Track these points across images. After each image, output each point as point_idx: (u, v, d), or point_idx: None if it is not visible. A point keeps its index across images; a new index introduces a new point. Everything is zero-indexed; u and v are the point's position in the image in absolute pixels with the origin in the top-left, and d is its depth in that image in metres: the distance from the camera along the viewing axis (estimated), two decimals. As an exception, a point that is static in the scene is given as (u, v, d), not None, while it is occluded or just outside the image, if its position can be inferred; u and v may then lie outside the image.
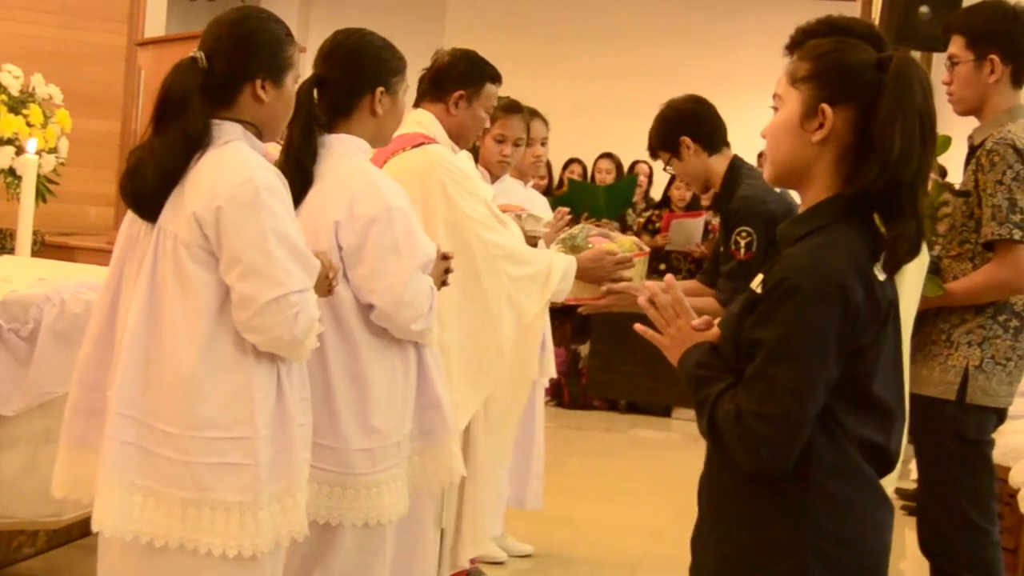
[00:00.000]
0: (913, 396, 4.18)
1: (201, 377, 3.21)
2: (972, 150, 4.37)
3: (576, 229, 4.97)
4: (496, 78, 4.77)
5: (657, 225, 11.41)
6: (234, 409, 3.23)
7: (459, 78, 4.68)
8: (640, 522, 7.42)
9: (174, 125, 3.25)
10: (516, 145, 5.92)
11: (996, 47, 4.32)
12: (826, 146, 2.68)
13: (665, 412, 10.93)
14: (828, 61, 2.71)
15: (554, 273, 4.62)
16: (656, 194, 12.12)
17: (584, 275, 4.71)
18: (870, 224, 2.67)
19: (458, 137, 4.74)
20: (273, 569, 3.34)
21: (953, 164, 4.99)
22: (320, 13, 15.18)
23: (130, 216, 3.38)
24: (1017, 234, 4.16)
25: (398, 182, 4.00)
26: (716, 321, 2.83)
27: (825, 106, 2.66)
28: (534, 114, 6.31)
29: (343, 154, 3.89)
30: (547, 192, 11.10)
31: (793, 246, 2.65)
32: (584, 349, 11.01)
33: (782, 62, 4.38)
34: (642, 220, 11.53)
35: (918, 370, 4.35)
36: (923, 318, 4.36)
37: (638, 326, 2.88)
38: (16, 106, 6.31)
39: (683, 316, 2.81)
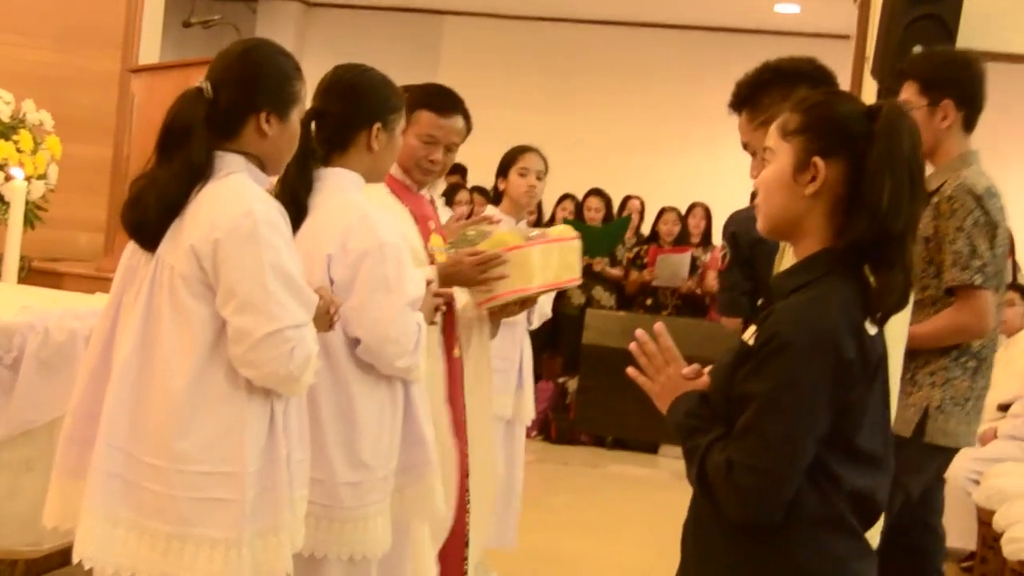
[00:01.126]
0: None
1: (191, 410, 3.19)
2: (928, 196, 4.37)
3: (472, 230, 4.89)
4: (437, 107, 4.60)
5: (645, 260, 11.43)
6: (223, 444, 3.21)
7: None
8: (625, 559, 7.39)
9: (178, 155, 3.25)
10: (539, 179, 6.10)
11: (950, 94, 4.38)
12: (818, 199, 2.69)
13: (652, 449, 10.90)
14: (819, 113, 2.72)
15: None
16: (645, 229, 12.12)
17: (448, 280, 4.51)
18: (862, 277, 2.68)
19: (400, 168, 4.61)
20: None
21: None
22: (315, 41, 15.21)
23: (131, 247, 3.38)
24: (978, 279, 4.22)
25: None
26: (706, 370, 2.83)
27: (817, 159, 2.68)
28: (532, 149, 6.36)
29: (337, 187, 3.87)
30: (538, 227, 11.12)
31: (786, 299, 2.66)
32: (572, 384, 11.00)
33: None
34: (631, 255, 11.55)
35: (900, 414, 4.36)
36: None
37: (630, 370, 2.89)
38: (6, 132, 6.29)
39: (672, 364, 2.83)
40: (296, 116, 3.43)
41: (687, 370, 2.82)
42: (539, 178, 6.10)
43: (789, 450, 2.54)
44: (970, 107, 4.43)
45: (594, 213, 11.71)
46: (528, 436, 10.57)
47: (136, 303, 3.29)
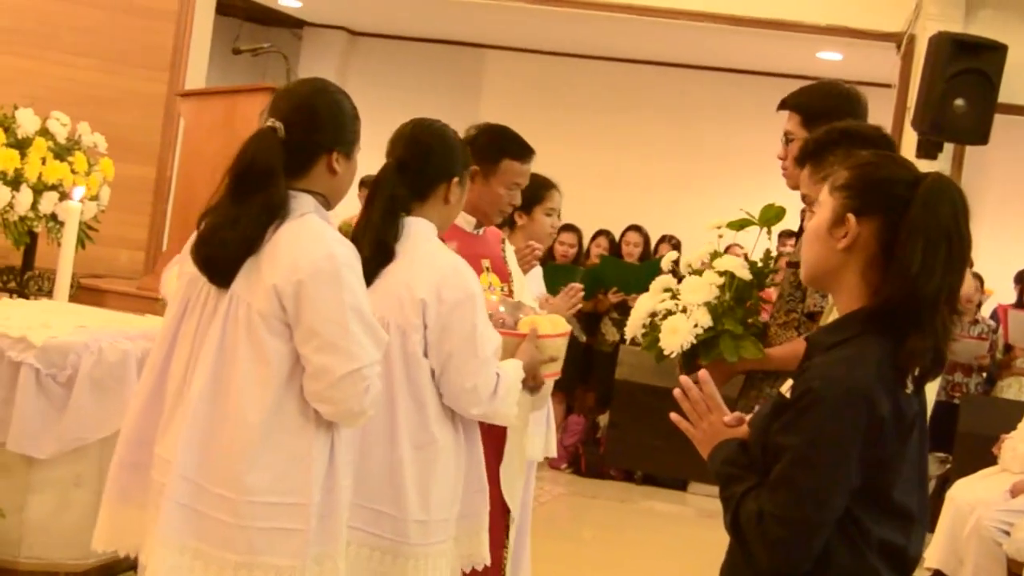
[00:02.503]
0: None
1: (263, 443, 3.27)
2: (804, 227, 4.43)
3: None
4: (518, 154, 4.72)
5: (681, 299, 11.46)
6: (292, 476, 3.30)
7: (475, 152, 4.52)
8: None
9: (257, 196, 3.31)
10: (558, 216, 5.96)
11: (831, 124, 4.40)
12: (852, 254, 2.77)
13: (681, 486, 10.91)
14: (863, 172, 2.80)
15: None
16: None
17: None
18: (898, 337, 2.73)
19: (473, 211, 4.68)
20: None
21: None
22: (358, 70, 15.32)
23: (189, 277, 3.43)
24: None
25: None
26: (747, 418, 2.91)
27: (850, 216, 2.76)
28: (555, 185, 6.27)
29: (421, 236, 3.95)
30: (575, 262, 11.19)
31: (824, 354, 2.73)
32: (604, 418, 11.04)
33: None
34: (668, 294, 11.58)
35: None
36: (750, 381, 4.43)
37: (674, 416, 2.96)
38: (62, 153, 6.40)
39: (715, 411, 2.91)
40: (356, 153, 3.54)
41: (729, 418, 2.90)
42: (559, 215, 5.98)
43: (818, 503, 2.62)
44: (849, 140, 4.44)
45: (632, 248, 11.77)
46: (558, 468, 10.67)
47: (207, 337, 3.35)
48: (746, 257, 4.66)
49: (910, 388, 2.73)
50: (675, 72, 14.48)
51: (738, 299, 4.44)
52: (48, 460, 4.60)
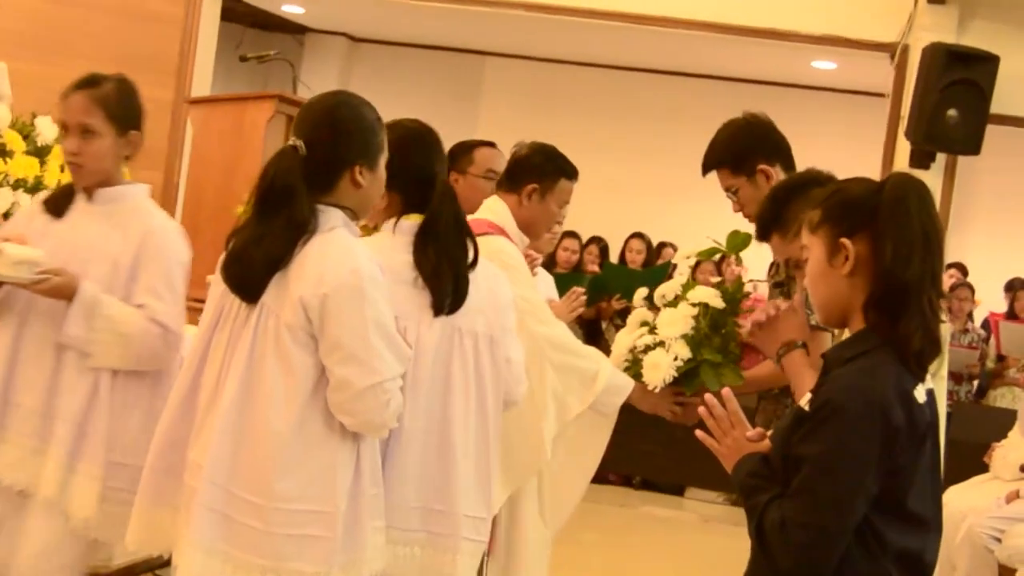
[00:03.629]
0: None
1: (291, 452, 3.34)
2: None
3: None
4: (572, 175, 4.80)
5: (681, 305, 11.56)
6: (319, 484, 3.37)
7: (535, 170, 4.73)
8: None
9: (281, 214, 3.37)
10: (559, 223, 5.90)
11: (757, 158, 4.49)
12: (855, 276, 2.93)
13: (678, 491, 11.03)
14: (833, 201, 2.99)
15: (600, 378, 4.56)
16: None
17: (640, 402, 4.64)
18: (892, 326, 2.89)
19: (527, 228, 4.77)
20: None
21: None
22: (360, 76, 15.40)
23: (222, 288, 3.50)
24: (814, 319, 4.31)
25: None
26: (769, 433, 3.06)
27: (844, 240, 2.93)
28: None
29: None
30: (576, 269, 11.27)
31: (841, 367, 2.89)
32: (602, 423, 11.11)
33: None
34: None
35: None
36: (766, 396, 4.58)
37: (699, 433, 3.12)
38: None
39: (738, 427, 3.07)
40: (382, 164, 3.57)
41: (751, 433, 3.06)
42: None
43: (838, 509, 2.76)
44: (779, 155, 4.54)
45: (635, 255, 11.83)
46: (557, 473, 10.72)
47: (237, 347, 3.43)
48: (725, 284, 4.73)
49: (923, 398, 2.87)
50: (672, 80, 14.61)
51: (714, 327, 4.54)
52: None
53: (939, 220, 2.93)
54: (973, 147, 9.40)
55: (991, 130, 9.38)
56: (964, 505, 7.33)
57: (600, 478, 10.87)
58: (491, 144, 5.25)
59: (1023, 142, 11.26)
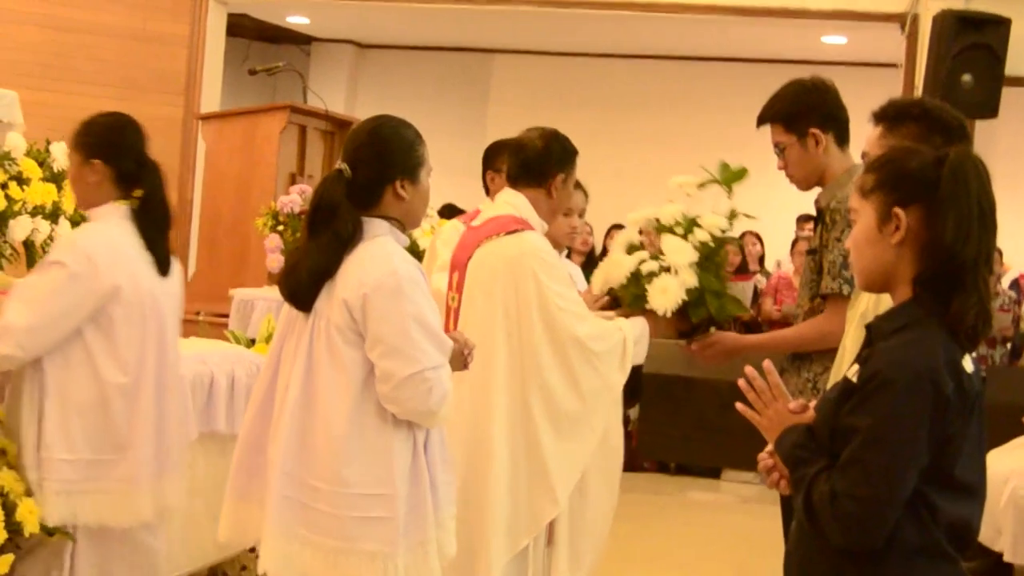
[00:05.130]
0: None
1: (348, 441, 3.68)
2: (820, 212, 4.54)
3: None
4: (576, 152, 4.86)
5: (705, 289, 11.55)
6: (377, 469, 3.70)
7: (558, 160, 4.73)
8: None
9: (328, 230, 3.74)
10: (580, 216, 5.87)
11: (811, 121, 4.46)
12: (904, 246, 2.90)
13: (715, 474, 11.00)
14: (890, 169, 2.95)
15: (628, 342, 4.67)
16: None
17: (653, 333, 4.77)
18: (946, 303, 2.87)
19: (550, 217, 4.81)
20: None
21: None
22: (368, 82, 15.44)
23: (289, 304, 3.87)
24: (846, 289, 4.30)
25: (489, 264, 4.53)
26: (812, 405, 3.03)
27: (897, 209, 2.89)
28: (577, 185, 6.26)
29: None
30: (590, 259, 11.26)
31: (886, 340, 2.86)
32: (634, 412, 11.10)
33: None
34: (690, 285, 11.65)
35: None
36: (787, 369, 4.54)
37: (739, 405, 3.08)
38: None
39: (780, 399, 3.03)
40: (424, 175, 3.89)
41: (793, 405, 3.02)
42: (581, 215, 5.91)
43: (890, 481, 2.74)
44: (835, 124, 4.51)
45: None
46: (592, 465, 10.70)
47: (297, 351, 3.78)
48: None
49: (971, 368, 2.85)
50: (681, 65, 14.62)
51: (709, 258, 4.72)
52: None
53: (993, 197, 2.91)
54: (990, 110, 9.38)
55: (1006, 92, 9.36)
56: (1006, 468, 7.29)
57: (635, 466, 10.89)
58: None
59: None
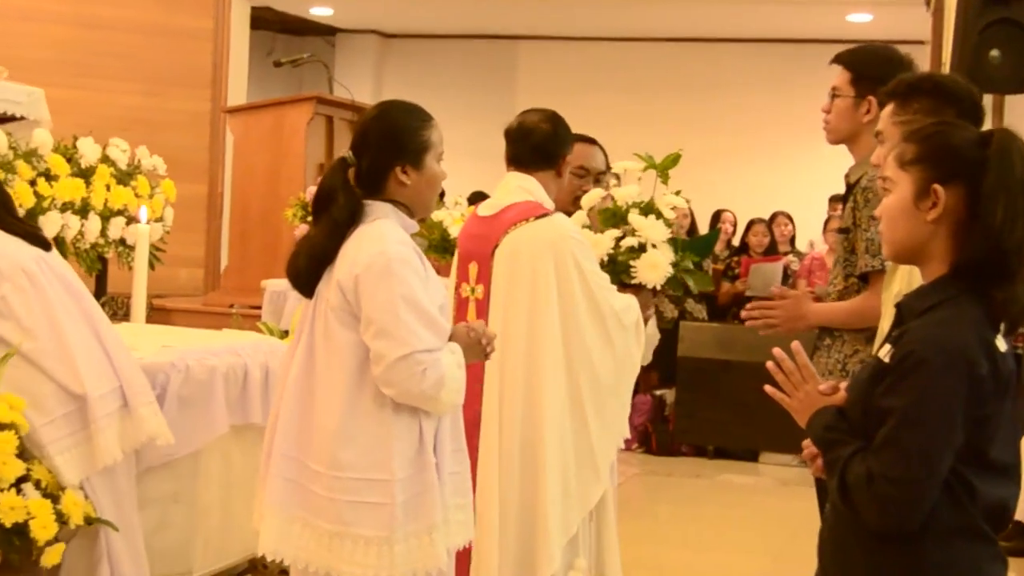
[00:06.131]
0: None
1: (345, 425, 3.65)
2: (849, 188, 4.49)
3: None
4: (581, 137, 4.99)
5: (736, 271, 11.53)
6: (374, 454, 3.65)
7: (564, 141, 4.82)
8: (736, 569, 7.46)
9: (324, 215, 3.77)
10: (599, 179, 5.48)
11: (876, 91, 4.37)
12: (940, 223, 2.85)
13: (753, 457, 10.95)
14: (934, 143, 2.89)
15: (641, 318, 4.76)
16: (735, 240, 12.21)
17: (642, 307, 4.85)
18: (989, 295, 2.83)
19: (559, 197, 4.85)
20: None
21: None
22: (393, 71, 15.45)
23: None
24: (877, 263, 4.26)
25: (526, 251, 4.58)
26: (843, 385, 2.99)
27: (937, 186, 2.84)
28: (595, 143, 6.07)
29: None
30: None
31: (918, 318, 2.82)
32: (670, 396, 11.08)
33: None
34: (721, 266, 11.63)
35: None
36: (817, 349, 4.50)
37: (769, 388, 3.05)
38: (124, 178, 6.52)
39: (810, 381, 3.00)
40: (431, 160, 3.86)
41: (824, 386, 2.99)
42: (600, 178, 5.45)
43: (927, 461, 2.70)
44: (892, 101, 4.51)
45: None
46: (629, 449, 10.69)
47: (301, 334, 3.81)
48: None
49: (1004, 347, 2.80)
50: (705, 47, 14.58)
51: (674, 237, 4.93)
52: (146, 479, 4.69)
53: None
54: (1018, 85, 9.27)
55: (1035, 65, 9.27)
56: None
57: (673, 450, 10.87)
58: (589, 140, 5.18)
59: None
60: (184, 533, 4.95)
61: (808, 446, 3.05)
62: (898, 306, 2.97)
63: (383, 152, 3.80)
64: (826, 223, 11.59)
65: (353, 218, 3.73)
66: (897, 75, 4.48)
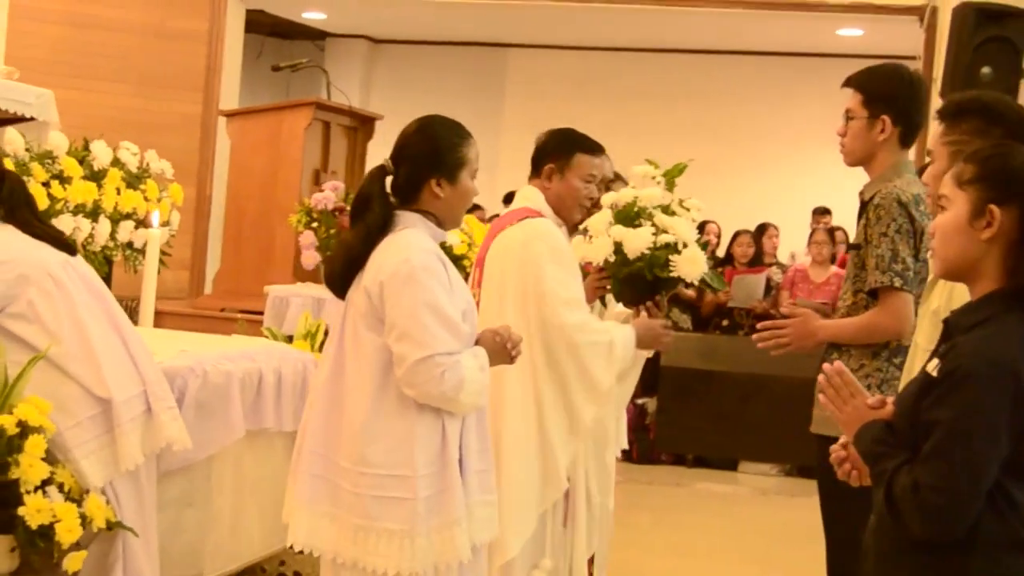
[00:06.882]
0: (817, 437, 4.46)
1: (371, 423, 3.84)
2: (863, 205, 4.59)
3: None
4: (589, 149, 4.96)
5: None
6: (398, 452, 3.84)
7: (548, 152, 4.92)
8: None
9: (360, 220, 3.98)
10: (609, 186, 5.70)
11: (889, 109, 4.51)
12: (993, 243, 2.96)
13: (732, 466, 11.07)
14: (993, 165, 2.99)
15: (616, 345, 4.76)
16: (719, 251, 12.31)
17: (640, 343, 4.88)
18: None
19: (558, 209, 4.92)
20: None
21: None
22: (382, 76, 15.50)
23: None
24: (897, 282, 4.38)
25: (500, 253, 4.74)
26: (890, 400, 3.09)
27: (993, 207, 2.94)
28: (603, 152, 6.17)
29: None
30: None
31: (965, 334, 2.92)
32: (651, 404, 11.18)
33: (837, 122, 4.69)
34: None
35: (821, 411, 4.43)
36: (823, 363, 4.59)
37: (821, 398, 3.16)
38: (134, 182, 6.57)
39: (858, 396, 3.09)
40: (466, 176, 4.03)
41: (872, 401, 3.08)
42: (609, 185, 5.66)
43: (972, 472, 2.80)
44: (906, 124, 4.57)
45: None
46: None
47: (332, 337, 4.05)
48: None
49: None
50: (696, 58, 14.66)
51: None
52: (161, 481, 4.72)
53: None
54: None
55: (1025, 85, 9.41)
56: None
57: (653, 458, 10.97)
58: (598, 149, 5.26)
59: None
60: (196, 536, 4.99)
61: (835, 450, 3.19)
62: (945, 322, 3.06)
63: (420, 164, 3.97)
64: (810, 235, 11.73)
65: (385, 226, 3.92)
66: (907, 92, 4.61)
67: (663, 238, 4.97)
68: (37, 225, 4.51)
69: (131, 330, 4.59)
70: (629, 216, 5.05)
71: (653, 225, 4.98)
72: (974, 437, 2.80)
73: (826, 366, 3.14)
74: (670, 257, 4.95)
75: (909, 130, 4.61)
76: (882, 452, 2.96)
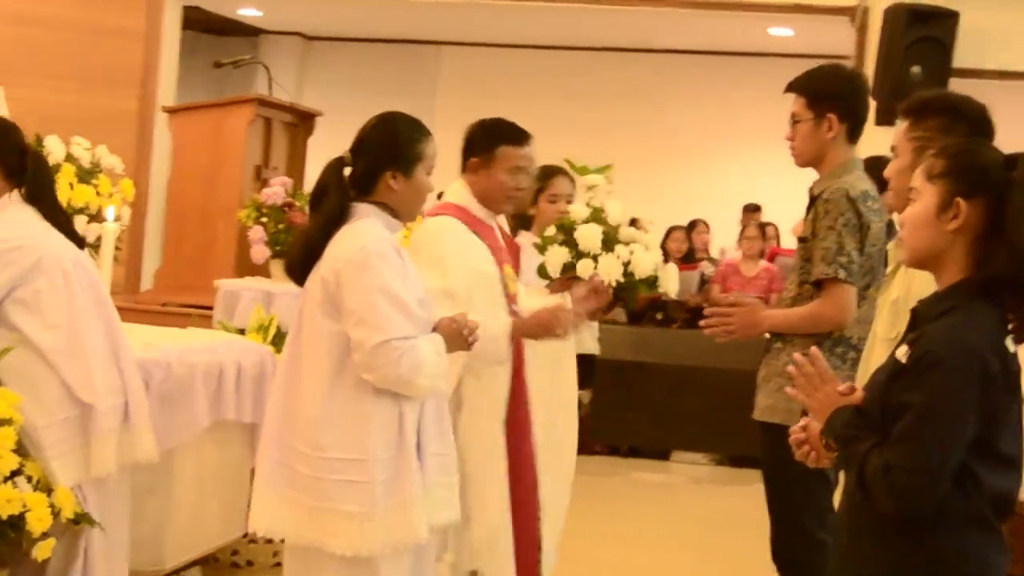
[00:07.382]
0: (762, 424, 4.63)
1: (327, 408, 3.95)
2: (812, 200, 4.71)
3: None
4: (513, 140, 4.88)
5: (654, 276, 11.77)
6: (353, 436, 3.95)
7: (471, 146, 4.89)
8: (661, 564, 7.70)
9: (317, 210, 4.12)
10: (568, 203, 6.01)
11: (833, 107, 4.63)
12: (959, 234, 3.09)
13: (664, 456, 11.22)
14: (962, 160, 3.13)
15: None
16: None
17: (530, 333, 4.80)
18: (1001, 301, 3.07)
19: (485, 202, 4.89)
20: (392, 571, 4.01)
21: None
22: (315, 73, 15.53)
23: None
24: (842, 274, 4.51)
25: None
26: (860, 386, 3.23)
27: (960, 200, 3.07)
28: (561, 172, 6.32)
29: None
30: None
31: (933, 322, 3.06)
32: (586, 396, 11.27)
33: (778, 119, 4.84)
34: (639, 272, 11.86)
35: (765, 400, 4.69)
36: (767, 352, 4.76)
37: (788, 389, 3.29)
38: (86, 177, 6.59)
39: (829, 383, 3.20)
40: (421, 172, 4.13)
41: (842, 387, 3.20)
42: (569, 202, 6.04)
43: (941, 453, 2.93)
44: (852, 119, 4.68)
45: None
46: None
47: (292, 325, 4.15)
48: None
49: (1013, 348, 3.05)
50: (628, 57, 14.80)
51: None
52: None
53: None
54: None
55: (954, 84, 9.57)
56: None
57: (587, 449, 11.05)
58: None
59: (984, 94, 11.47)
60: (157, 525, 5.10)
61: (795, 431, 3.31)
62: (913, 311, 3.19)
63: (378, 157, 4.08)
64: (741, 231, 11.92)
65: (342, 215, 4.03)
66: (849, 89, 4.76)
67: (626, 249, 5.24)
68: (58, 214, 4.64)
69: (123, 340, 4.66)
70: (611, 240, 5.24)
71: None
72: (943, 420, 2.93)
73: (796, 355, 3.25)
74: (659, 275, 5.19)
75: (855, 125, 4.71)
76: (853, 435, 3.07)
